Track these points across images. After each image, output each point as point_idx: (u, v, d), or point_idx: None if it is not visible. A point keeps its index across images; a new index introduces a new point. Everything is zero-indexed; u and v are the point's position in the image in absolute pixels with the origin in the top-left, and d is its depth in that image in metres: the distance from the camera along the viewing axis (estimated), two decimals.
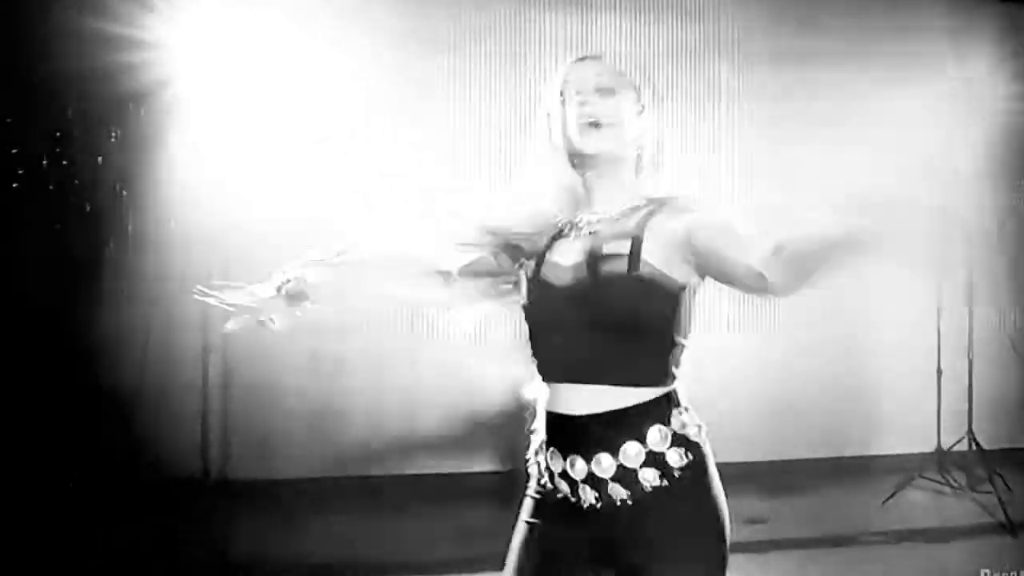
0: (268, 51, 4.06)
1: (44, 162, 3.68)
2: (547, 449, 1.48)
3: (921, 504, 4.15)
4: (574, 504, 1.45)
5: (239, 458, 4.23)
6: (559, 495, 1.47)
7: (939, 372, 4.41)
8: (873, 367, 4.81)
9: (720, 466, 1.46)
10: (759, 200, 4.49)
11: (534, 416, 1.52)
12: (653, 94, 1.55)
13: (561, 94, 1.52)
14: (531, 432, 1.53)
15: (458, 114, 4.46)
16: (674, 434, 1.41)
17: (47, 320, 3.67)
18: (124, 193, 3.96)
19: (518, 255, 1.55)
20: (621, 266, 1.40)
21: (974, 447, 4.23)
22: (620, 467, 1.40)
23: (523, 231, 1.53)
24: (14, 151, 3.60)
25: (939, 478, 4.34)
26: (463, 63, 4.44)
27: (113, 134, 3.82)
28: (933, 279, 4.39)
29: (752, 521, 3.84)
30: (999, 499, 3.86)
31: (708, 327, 1.52)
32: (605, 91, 1.50)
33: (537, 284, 1.49)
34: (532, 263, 1.51)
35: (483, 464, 4.40)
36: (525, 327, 1.52)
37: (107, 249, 3.83)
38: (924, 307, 4.47)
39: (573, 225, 1.53)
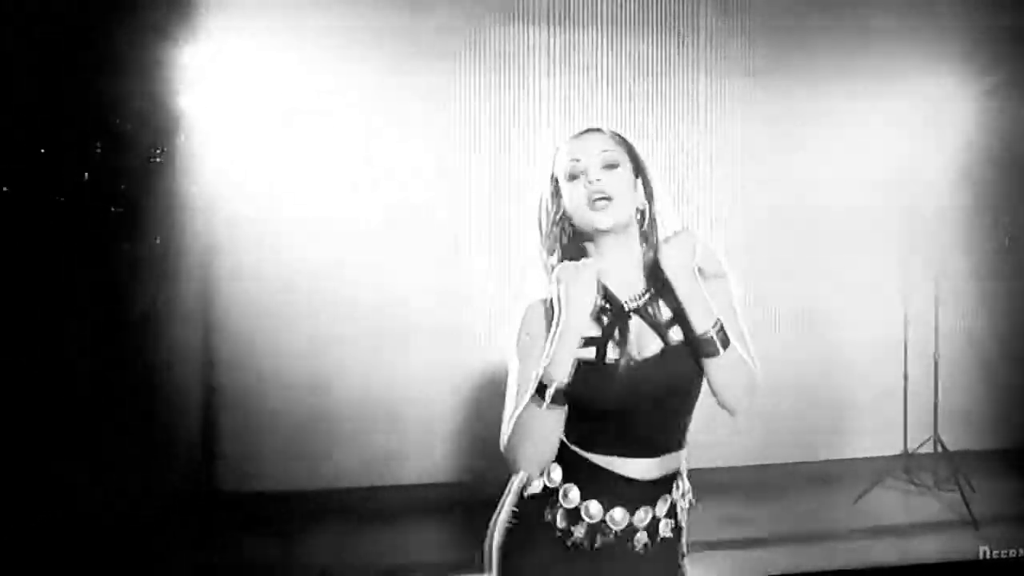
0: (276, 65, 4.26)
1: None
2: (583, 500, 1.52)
3: (890, 503, 4.31)
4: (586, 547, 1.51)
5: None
6: (575, 539, 1.51)
7: (905, 378, 4.64)
8: (843, 375, 4.98)
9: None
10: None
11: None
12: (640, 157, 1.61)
13: (568, 172, 1.56)
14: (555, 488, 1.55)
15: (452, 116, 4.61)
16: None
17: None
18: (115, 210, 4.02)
19: None
20: (679, 336, 1.51)
21: (940, 449, 4.42)
22: (653, 517, 1.52)
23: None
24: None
25: (906, 479, 4.54)
26: (454, 74, 4.58)
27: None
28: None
29: (733, 521, 3.97)
30: (962, 496, 4.05)
31: None
32: (611, 165, 1.55)
33: (596, 368, 1.49)
34: (584, 350, 1.50)
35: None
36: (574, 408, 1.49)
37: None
38: (891, 317, 4.72)
39: (609, 309, 1.53)
